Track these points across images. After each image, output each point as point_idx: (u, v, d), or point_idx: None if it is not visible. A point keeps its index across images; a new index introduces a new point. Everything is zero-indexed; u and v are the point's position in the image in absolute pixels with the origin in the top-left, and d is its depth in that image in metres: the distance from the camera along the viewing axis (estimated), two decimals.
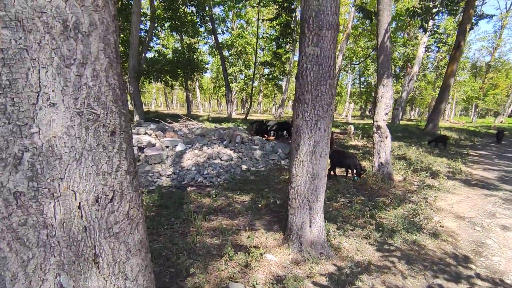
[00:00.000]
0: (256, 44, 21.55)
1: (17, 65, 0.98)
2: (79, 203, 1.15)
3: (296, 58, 42.65)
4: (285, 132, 13.89)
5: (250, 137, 10.05)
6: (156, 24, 20.43)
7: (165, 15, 19.71)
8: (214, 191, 5.69)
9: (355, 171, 6.91)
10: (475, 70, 46.47)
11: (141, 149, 7.32)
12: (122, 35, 19.15)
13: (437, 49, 32.56)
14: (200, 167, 7.13)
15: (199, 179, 6.47)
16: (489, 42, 39.80)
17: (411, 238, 3.92)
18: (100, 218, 1.21)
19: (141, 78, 19.34)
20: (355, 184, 6.64)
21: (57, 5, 1.01)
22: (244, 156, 8.39)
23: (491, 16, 18.67)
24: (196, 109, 50.83)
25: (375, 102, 7.00)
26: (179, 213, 4.41)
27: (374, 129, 6.89)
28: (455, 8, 16.86)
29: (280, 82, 31.94)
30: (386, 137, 6.77)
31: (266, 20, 20.94)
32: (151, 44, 22.83)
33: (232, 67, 32.69)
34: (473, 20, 17.85)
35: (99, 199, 1.19)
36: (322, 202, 3.39)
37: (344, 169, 7.35)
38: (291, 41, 19.27)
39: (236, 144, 9.16)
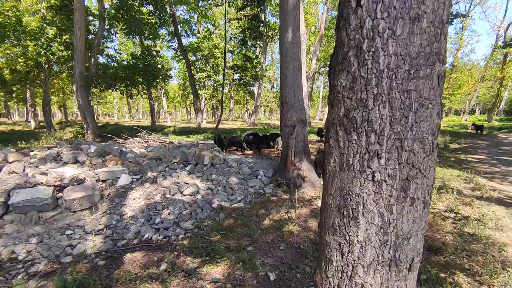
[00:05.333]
0: (225, 45, 19.48)
1: None
2: None
3: (267, 62, 41.23)
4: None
5: (222, 156, 7.94)
6: (107, 26, 17.74)
7: (118, 14, 17.07)
8: (167, 259, 3.55)
9: None
10: None
11: (61, 189, 4.96)
12: (65, 37, 16.23)
13: None
14: (151, 211, 4.91)
15: (147, 235, 4.25)
16: (451, 43, 40.89)
17: None
18: None
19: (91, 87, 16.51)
20: None
21: None
22: (215, 185, 6.27)
23: (465, 16, 18.24)
24: (164, 119, 47.63)
25: None
26: None
27: None
28: None
29: (251, 88, 30.10)
30: None
31: (234, 19, 19.05)
32: (104, 48, 20.01)
33: (200, 73, 30.34)
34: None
35: None
36: None
37: None
38: (260, 38, 17.45)
39: (204, 168, 7.01)
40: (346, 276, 1.23)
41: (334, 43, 1.26)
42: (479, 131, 19.60)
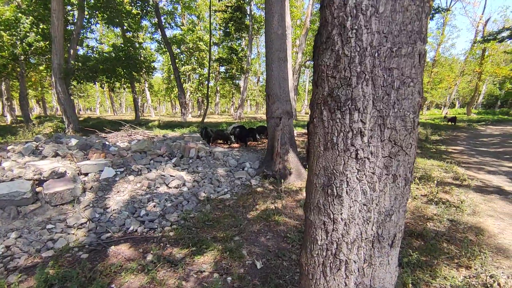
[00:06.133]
0: (210, 37, 19.21)
1: None
2: None
3: (253, 56, 40.99)
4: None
5: (209, 149, 7.88)
6: (87, 16, 17.11)
7: (97, 4, 16.47)
8: (153, 250, 3.51)
9: None
10: None
11: (40, 183, 4.80)
12: (42, 26, 15.55)
13: None
14: (136, 203, 4.83)
15: (132, 227, 4.19)
16: (433, 38, 41.84)
17: None
18: None
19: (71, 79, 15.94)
20: None
21: None
22: (201, 177, 6.22)
23: (446, 10, 18.68)
24: (148, 113, 46.75)
25: None
26: None
27: None
28: None
29: (237, 81, 29.89)
30: None
31: (218, 11, 18.78)
32: (84, 39, 19.33)
33: (185, 66, 29.84)
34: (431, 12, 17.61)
35: None
36: None
37: None
38: (244, 30, 17.34)
39: (190, 161, 6.95)
40: (331, 254, 1.25)
41: None
42: (451, 122, 21.74)
